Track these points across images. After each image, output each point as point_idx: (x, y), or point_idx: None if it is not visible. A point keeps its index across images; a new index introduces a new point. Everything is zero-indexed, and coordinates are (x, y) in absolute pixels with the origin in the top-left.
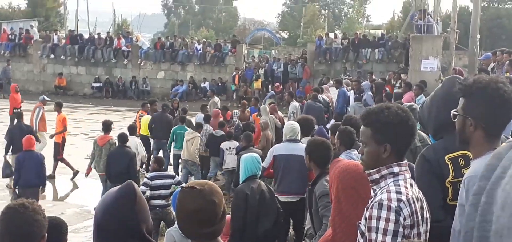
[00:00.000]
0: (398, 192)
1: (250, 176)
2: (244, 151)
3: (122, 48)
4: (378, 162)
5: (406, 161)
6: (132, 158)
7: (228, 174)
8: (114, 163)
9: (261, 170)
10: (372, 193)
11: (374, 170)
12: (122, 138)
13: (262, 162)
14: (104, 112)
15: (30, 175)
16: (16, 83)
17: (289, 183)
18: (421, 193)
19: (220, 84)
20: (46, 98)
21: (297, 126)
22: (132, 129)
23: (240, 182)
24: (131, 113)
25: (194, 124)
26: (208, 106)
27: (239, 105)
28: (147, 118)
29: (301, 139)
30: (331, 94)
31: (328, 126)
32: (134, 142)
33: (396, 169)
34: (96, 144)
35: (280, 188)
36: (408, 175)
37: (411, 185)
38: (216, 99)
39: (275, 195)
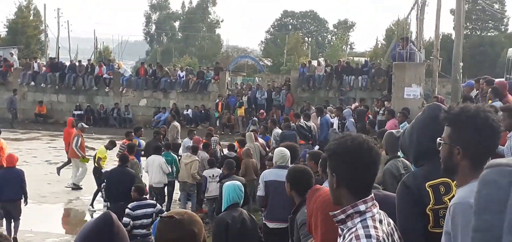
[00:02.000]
0: (368, 236)
1: (231, 204)
2: (226, 179)
3: (104, 76)
4: (336, 197)
5: (371, 195)
6: (133, 178)
7: (210, 202)
8: (114, 183)
9: (259, 200)
10: (339, 232)
11: (339, 211)
12: (123, 158)
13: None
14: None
15: (11, 190)
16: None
17: (278, 209)
18: (392, 224)
19: (203, 111)
20: (84, 125)
21: (287, 152)
22: (159, 149)
23: (222, 210)
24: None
25: (182, 149)
26: (168, 130)
27: (222, 132)
28: (102, 150)
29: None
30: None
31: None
32: (157, 162)
33: (362, 207)
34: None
35: (269, 215)
36: (375, 210)
37: (380, 221)
38: (176, 124)
39: (264, 222)
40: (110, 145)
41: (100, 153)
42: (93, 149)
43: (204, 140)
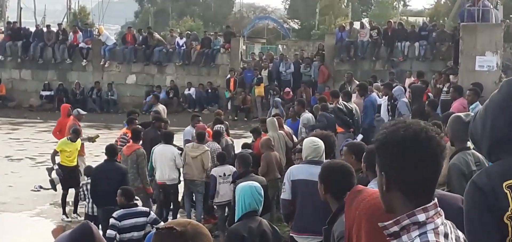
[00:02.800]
0: None
1: (248, 212)
2: (241, 179)
3: (80, 45)
4: (387, 203)
5: (434, 201)
6: (124, 175)
7: (221, 208)
8: (102, 181)
9: (283, 205)
10: None
11: (391, 221)
12: (110, 151)
13: (265, 192)
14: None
15: None
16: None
17: (309, 218)
18: (462, 239)
19: (210, 90)
20: (81, 111)
21: (321, 144)
22: (169, 136)
23: (236, 220)
24: (92, 130)
25: (183, 141)
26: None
27: (235, 118)
28: (64, 142)
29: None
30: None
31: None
32: (171, 152)
33: (421, 217)
34: (122, 154)
35: (298, 225)
36: (439, 220)
37: (446, 235)
38: (161, 107)
39: (291, 234)
40: (74, 136)
41: (61, 145)
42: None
43: (208, 128)
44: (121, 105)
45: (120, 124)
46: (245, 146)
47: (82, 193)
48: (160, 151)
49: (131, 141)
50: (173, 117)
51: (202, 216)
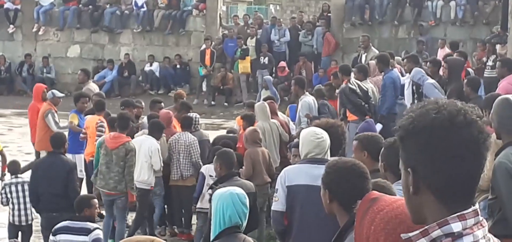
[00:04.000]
0: None
1: (228, 228)
2: (222, 183)
3: (5, 5)
4: (414, 209)
5: (475, 207)
6: (70, 171)
7: (203, 217)
8: (44, 180)
9: (275, 219)
10: None
11: (417, 231)
12: (57, 140)
13: (252, 201)
14: None
15: None
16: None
17: (310, 235)
18: None
19: (178, 65)
20: (58, 93)
21: (326, 137)
22: (158, 127)
23: (212, 238)
24: (24, 120)
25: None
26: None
27: (212, 103)
28: None
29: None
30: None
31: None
32: (148, 146)
33: (456, 226)
34: (104, 147)
35: None
36: (480, 232)
37: None
38: (93, 86)
39: None
40: None
41: None
42: None
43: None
44: (61, 85)
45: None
46: (228, 133)
47: (3, 196)
48: (138, 143)
49: (106, 130)
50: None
51: (158, 228)
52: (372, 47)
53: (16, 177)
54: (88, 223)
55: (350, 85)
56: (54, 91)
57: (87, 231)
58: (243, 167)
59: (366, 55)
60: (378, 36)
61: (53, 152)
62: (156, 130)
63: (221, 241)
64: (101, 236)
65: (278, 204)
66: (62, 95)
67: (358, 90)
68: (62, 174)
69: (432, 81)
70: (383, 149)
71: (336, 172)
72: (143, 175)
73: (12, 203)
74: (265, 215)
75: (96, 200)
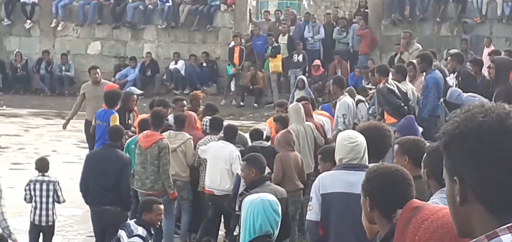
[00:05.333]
0: None
1: (259, 237)
2: (253, 188)
3: (22, 0)
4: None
5: None
6: (125, 166)
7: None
8: (95, 172)
9: (310, 229)
10: None
11: None
12: (114, 132)
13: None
14: None
15: None
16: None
17: None
18: None
19: (205, 64)
20: (135, 91)
21: (361, 141)
22: (231, 131)
23: None
24: (41, 120)
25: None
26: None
27: (241, 104)
28: None
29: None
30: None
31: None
32: (229, 152)
33: (507, 239)
34: (138, 146)
35: None
36: None
37: None
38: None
39: None
40: None
41: None
42: None
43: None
44: (80, 84)
45: (80, 111)
46: (255, 135)
47: (27, 193)
48: (215, 148)
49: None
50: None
51: (191, 237)
52: (415, 43)
53: (43, 175)
54: (139, 228)
55: (388, 85)
56: (132, 88)
57: (130, 233)
58: (274, 172)
59: (408, 52)
60: (419, 34)
61: (109, 145)
62: (230, 135)
63: None
64: None
65: (312, 213)
66: (140, 92)
67: (396, 91)
68: (115, 168)
69: (469, 93)
70: (425, 154)
71: (378, 178)
72: (224, 183)
73: (35, 202)
74: (297, 223)
75: (160, 207)
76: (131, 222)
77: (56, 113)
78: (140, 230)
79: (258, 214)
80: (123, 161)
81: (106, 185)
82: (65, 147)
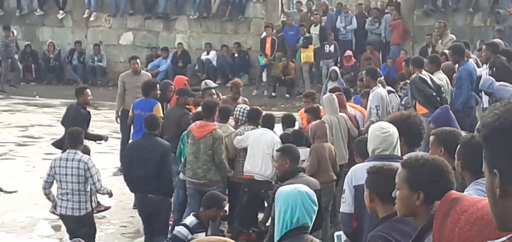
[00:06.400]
0: None
1: (296, 228)
2: (287, 179)
3: None
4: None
5: None
6: (165, 154)
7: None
8: (137, 161)
9: (344, 221)
10: None
11: (505, 237)
12: (150, 122)
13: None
14: (23, 109)
15: None
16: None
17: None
18: None
19: (237, 54)
20: (211, 84)
21: (394, 131)
22: (270, 120)
23: (276, 239)
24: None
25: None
26: None
27: (273, 95)
28: None
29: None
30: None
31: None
32: (270, 138)
33: None
34: (191, 136)
35: None
36: None
37: None
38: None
39: None
40: None
41: None
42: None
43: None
44: (113, 74)
45: (111, 102)
46: (287, 120)
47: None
48: (257, 135)
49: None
50: None
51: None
52: (449, 34)
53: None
54: (191, 217)
55: (421, 75)
56: (208, 81)
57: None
58: (309, 163)
59: (442, 43)
60: (452, 24)
61: (148, 134)
62: (268, 123)
63: None
64: (181, 234)
65: (345, 205)
66: (215, 85)
67: (429, 81)
68: (156, 157)
69: (501, 83)
70: (459, 146)
71: (414, 170)
72: (265, 168)
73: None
74: (329, 214)
75: (224, 202)
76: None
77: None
78: (189, 221)
79: (296, 206)
80: (163, 149)
81: (149, 174)
82: None
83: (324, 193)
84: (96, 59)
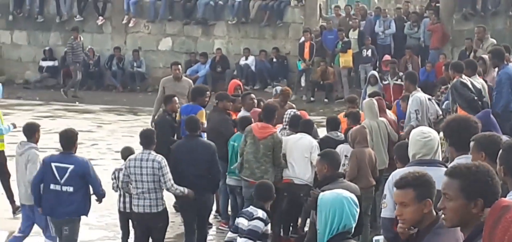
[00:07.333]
0: None
1: (340, 233)
2: (327, 184)
3: None
4: None
5: None
6: (214, 153)
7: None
8: (187, 162)
9: (385, 226)
10: None
11: None
12: (191, 124)
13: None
14: (63, 115)
15: None
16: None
17: None
18: None
19: (275, 59)
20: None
21: (435, 136)
22: (308, 124)
23: None
24: (113, 116)
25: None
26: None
27: (312, 99)
28: None
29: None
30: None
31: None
32: (308, 142)
33: None
34: (252, 136)
35: None
36: None
37: None
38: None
39: None
40: None
41: None
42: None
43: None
44: (152, 80)
45: (150, 107)
46: (331, 123)
47: (114, 183)
48: (295, 140)
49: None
50: None
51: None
52: (490, 38)
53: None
54: (259, 210)
55: (461, 79)
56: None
57: (250, 216)
58: (349, 168)
59: (482, 48)
60: (491, 28)
61: (192, 135)
62: (306, 128)
63: None
64: (258, 228)
65: (386, 210)
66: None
67: (470, 85)
68: (206, 157)
69: None
70: (501, 151)
71: (475, 175)
72: (304, 172)
73: (120, 190)
74: (369, 219)
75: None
76: (250, 207)
77: (128, 109)
78: (260, 213)
79: (343, 212)
80: (213, 149)
81: (199, 173)
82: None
83: (363, 198)
84: (135, 65)
